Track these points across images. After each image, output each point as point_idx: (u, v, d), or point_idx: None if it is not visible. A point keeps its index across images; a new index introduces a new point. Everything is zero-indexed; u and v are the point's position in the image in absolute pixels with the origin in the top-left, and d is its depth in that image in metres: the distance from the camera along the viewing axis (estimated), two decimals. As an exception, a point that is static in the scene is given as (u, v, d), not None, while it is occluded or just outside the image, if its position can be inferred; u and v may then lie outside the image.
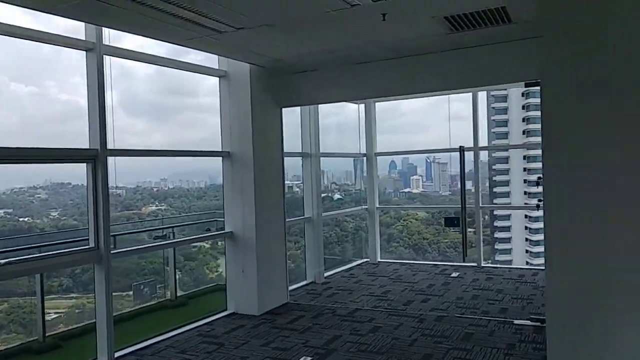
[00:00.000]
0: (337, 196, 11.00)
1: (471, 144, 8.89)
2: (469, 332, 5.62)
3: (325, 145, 8.74)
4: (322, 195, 10.29)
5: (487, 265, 9.14)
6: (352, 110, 9.97)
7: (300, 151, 8.32)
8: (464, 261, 8.26)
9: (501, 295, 7.12)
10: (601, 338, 3.75)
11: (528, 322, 5.80)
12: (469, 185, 9.00)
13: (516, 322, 5.89)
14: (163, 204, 7.51)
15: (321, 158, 8.60)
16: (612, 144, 3.66)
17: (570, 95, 3.82)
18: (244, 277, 6.61)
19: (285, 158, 7.17)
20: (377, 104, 9.98)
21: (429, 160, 12.36)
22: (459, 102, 9.56)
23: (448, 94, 9.07)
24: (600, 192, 3.70)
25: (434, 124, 10.71)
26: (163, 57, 5.99)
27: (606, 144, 3.68)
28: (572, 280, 3.86)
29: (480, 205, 8.93)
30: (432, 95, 8.99)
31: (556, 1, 3.88)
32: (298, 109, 8.18)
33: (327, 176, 11.00)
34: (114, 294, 5.21)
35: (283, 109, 7.16)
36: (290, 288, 7.54)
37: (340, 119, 10.36)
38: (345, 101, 8.20)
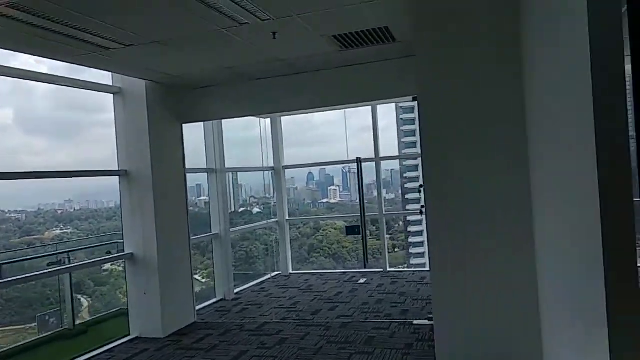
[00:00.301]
0: (256, 210, 10.98)
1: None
2: (371, 336, 5.84)
3: (235, 159, 8.71)
4: (242, 209, 10.21)
5: (392, 270, 9.53)
6: (259, 124, 10.03)
7: (205, 167, 8.24)
8: (365, 267, 8.57)
9: (403, 297, 7.47)
10: (482, 331, 4.09)
11: (426, 322, 6.15)
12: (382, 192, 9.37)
13: (415, 322, 6.22)
14: (69, 227, 7.11)
15: (239, 172, 8.51)
16: (477, 152, 4.06)
17: (441, 109, 4.18)
18: (147, 299, 6.40)
19: (199, 174, 7.03)
20: (288, 117, 10.04)
21: (344, 171, 12.65)
22: (370, 114, 9.88)
23: (355, 107, 9.37)
24: (469, 196, 4.08)
25: (345, 135, 11.01)
26: (51, 75, 5.72)
27: (472, 152, 4.08)
28: (451, 278, 4.19)
29: (384, 212, 9.33)
30: (341, 108, 9.26)
31: (424, 26, 4.26)
32: (202, 124, 8.11)
33: (245, 190, 10.97)
34: (15, 327, 4.88)
35: (185, 125, 7.08)
36: (199, 307, 7.42)
37: (248, 133, 10.39)
38: (246, 116, 8.24)
